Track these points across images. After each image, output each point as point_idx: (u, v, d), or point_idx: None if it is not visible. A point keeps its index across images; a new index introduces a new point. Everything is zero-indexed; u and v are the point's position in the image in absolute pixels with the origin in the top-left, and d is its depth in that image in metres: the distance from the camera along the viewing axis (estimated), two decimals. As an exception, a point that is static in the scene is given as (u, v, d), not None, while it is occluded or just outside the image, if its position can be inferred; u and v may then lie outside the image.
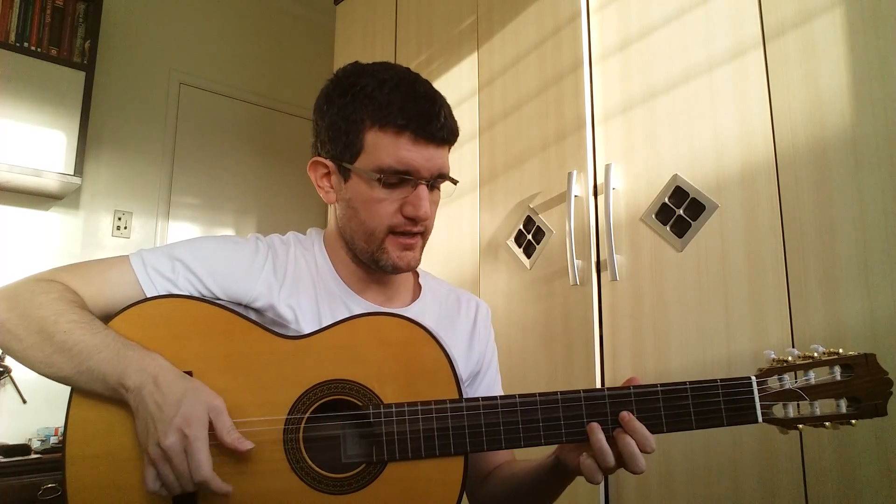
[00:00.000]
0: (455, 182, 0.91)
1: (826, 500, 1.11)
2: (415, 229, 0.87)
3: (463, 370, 0.98)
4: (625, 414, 0.75)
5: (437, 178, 0.87)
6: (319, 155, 0.91)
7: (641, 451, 0.74)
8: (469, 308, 1.03)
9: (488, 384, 1.02)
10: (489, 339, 1.04)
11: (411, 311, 0.95)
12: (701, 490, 1.28)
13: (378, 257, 0.88)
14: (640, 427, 0.75)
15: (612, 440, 0.75)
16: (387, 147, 0.83)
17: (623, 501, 1.41)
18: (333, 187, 0.91)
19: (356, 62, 0.91)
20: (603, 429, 0.75)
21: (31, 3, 2.48)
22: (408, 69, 0.89)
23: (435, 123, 0.84)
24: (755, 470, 1.21)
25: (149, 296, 0.83)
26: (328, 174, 0.91)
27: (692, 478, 1.30)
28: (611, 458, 0.74)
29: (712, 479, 1.27)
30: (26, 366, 0.77)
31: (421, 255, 0.91)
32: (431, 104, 0.85)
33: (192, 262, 0.86)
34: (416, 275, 1.03)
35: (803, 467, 1.15)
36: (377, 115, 0.83)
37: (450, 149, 0.90)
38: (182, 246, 0.88)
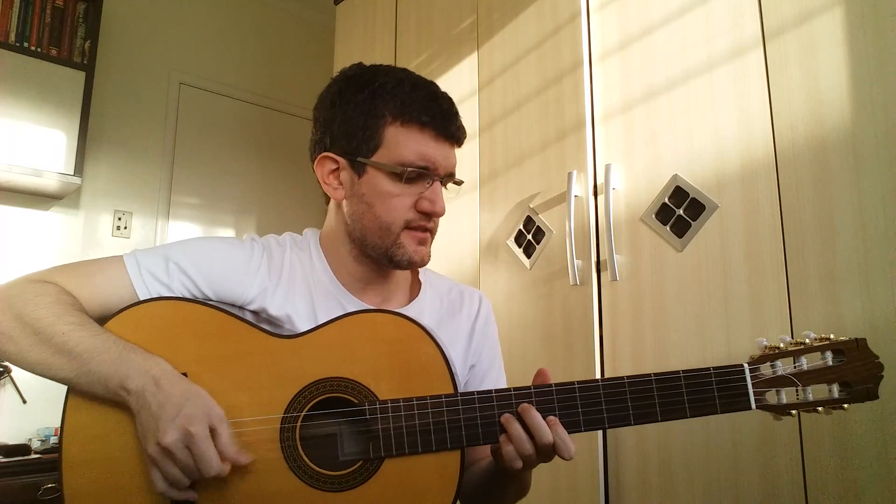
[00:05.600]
0: (460, 183, 0.93)
1: (826, 497, 1.11)
2: (429, 224, 0.88)
3: (463, 363, 0.98)
4: (525, 405, 0.76)
5: (450, 176, 0.90)
6: (327, 151, 0.90)
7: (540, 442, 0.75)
8: (472, 303, 1.03)
9: (492, 383, 1.01)
10: (488, 332, 1.03)
11: (410, 311, 0.95)
12: (701, 486, 1.28)
13: (393, 252, 0.88)
14: (537, 416, 0.75)
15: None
16: (409, 142, 0.85)
17: (623, 498, 1.41)
18: (343, 184, 0.90)
19: (360, 63, 0.93)
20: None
21: (31, 3, 2.48)
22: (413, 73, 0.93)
23: (454, 123, 0.88)
24: (755, 466, 1.20)
25: (142, 298, 0.82)
26: (337, 170, 0.90)
27: (692, 474, 1.30)
28: (528, 446, 0.75)
29: (712, 475, 1.26)
30: (22, 367, 0.77)
31: (430, 251, 0.92)
32: (450, 105, 0.89)
33: (186, 265, 0.85)
34: (416, 271, 1.03)
35: (803, 465, 1.14)
36: (400, 111, 0.85)
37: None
38: (177, 247, 0.87)
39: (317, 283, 0.91)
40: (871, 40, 1.14)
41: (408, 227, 0.87)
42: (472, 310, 1.02)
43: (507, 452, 0.76)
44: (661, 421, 0.77)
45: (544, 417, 0.76)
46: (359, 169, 0.87)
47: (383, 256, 0.88)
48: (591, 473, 1.44)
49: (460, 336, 0.98)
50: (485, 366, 1.01)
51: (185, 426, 0.69)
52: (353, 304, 0.91)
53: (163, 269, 0.84)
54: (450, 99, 0.90)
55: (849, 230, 1.13)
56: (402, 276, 1.00)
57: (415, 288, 1.00)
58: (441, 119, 0.86)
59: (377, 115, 0.85)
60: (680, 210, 1.38)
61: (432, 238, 0.92)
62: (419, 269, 1.03)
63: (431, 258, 0.92)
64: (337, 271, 0.93)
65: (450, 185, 0.92)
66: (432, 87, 0.89)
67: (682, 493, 1.31)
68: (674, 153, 1.41)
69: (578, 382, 0.78)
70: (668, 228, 1.40)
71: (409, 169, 0.84)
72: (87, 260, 0.87)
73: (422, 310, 0.97)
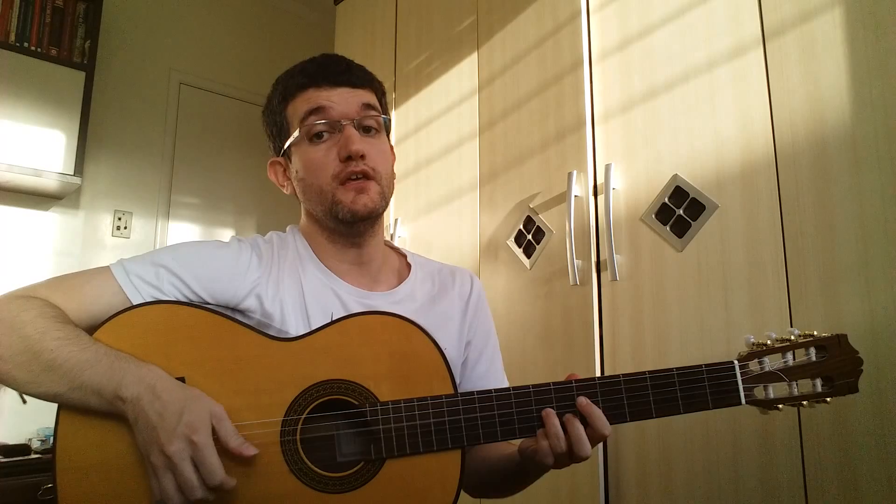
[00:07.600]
0: (386, 119, 0.95)
1: (826, 497, 1.11)
2: (356, 169, 0.87)
3: (458, 340, 0.99)
4: (582, 399, 0.78)
5: (364, 116, 0.91)
6: (273, 157, 0.98)
7: (598, 434, 0.77)
8: (464, 281, 1.04)
9: (489, 359, 1.02)
10: (481, 309, 1.04)
11: (400, 293, 0.96)
12: (701, 485, 1.28)
13: (336, 211, 0.88)
14: (598, 411, 0.77)
15: (566, 426, 0.77)
16: (299, 108, 0.91)
17: (623, 497, 1.41)
18: (289, 178, 0.96)
19: None
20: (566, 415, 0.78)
21: (31, 3, 2.48)
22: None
23: (333, 69, 0.91)
24: (755, 465, 1.21)
25: (134, 303, 0.81)
26: (284, 170, 0.97)
27: (692, 473, 1.30)
28: (563, 443, 0.76)
29: (712, 475, 1.26)
30: (11, 387, 0.75)
31: (381, 200, 0.90)
32: (329, 59, 0.93)
33: (175, 267, 0.84)
34: (404, 256, 1.03)
35: (803, 465, 1.14)
36: (286, 91, 0.93)
37: (377, 95, 0.95)
38: (164, 252, 0.87)
39: (304, 271, 0.92)
40: (871, 40, 1.14)
41: (340, 182, 0.88)
42: (465, 288, 1.03)
43: (543, 448, 0.77)
44: (656, 417, 0.79)
45: (560, 416, 0.77)
46: (289, 157, 0.95)
47: (332, 219, 0.90)
48: (591, 473, 1.45)
49: (454, 313, 0.99)
50: (481, 342, 1.02)
51: (189, 436, 0.68)
52: (343, 288, 0.92)
53: (152, 274, 0.83)
54: (334, 57, 0.94)
55: (849, 230, 1.13)
56: (388, 258, 1.00)
57: (404, 271, 1.01)
58: (315, 71, 0.91)
59: (276, 110, 0.95)
60: (680, 210, 1.38)
61: (382, 187, 0.90)
62: (407, 253, 1.04)
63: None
64: (321, 255, 0.94)
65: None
66: (317, 56, 0.94)
67: (682, 493, 1.31)
68: (674, 153, 1.41)
69: (576, 381, 0.79)
70: (668, 228, 1.40)
71: (305, 123, 0.89)
72: (72, 272, 0.84)
73: (413, 290, 0.97)
